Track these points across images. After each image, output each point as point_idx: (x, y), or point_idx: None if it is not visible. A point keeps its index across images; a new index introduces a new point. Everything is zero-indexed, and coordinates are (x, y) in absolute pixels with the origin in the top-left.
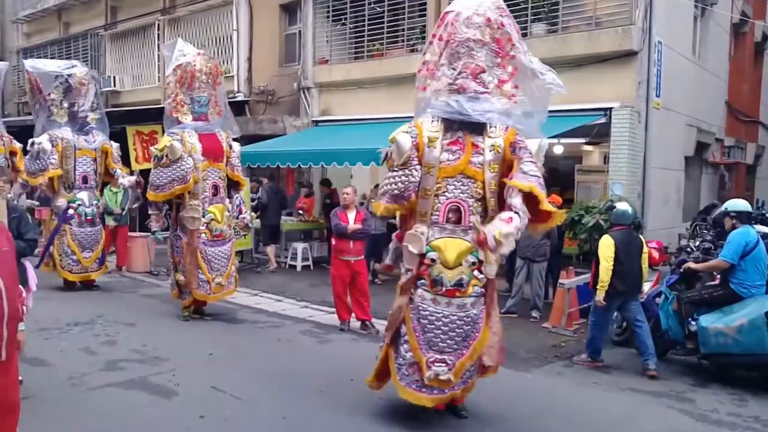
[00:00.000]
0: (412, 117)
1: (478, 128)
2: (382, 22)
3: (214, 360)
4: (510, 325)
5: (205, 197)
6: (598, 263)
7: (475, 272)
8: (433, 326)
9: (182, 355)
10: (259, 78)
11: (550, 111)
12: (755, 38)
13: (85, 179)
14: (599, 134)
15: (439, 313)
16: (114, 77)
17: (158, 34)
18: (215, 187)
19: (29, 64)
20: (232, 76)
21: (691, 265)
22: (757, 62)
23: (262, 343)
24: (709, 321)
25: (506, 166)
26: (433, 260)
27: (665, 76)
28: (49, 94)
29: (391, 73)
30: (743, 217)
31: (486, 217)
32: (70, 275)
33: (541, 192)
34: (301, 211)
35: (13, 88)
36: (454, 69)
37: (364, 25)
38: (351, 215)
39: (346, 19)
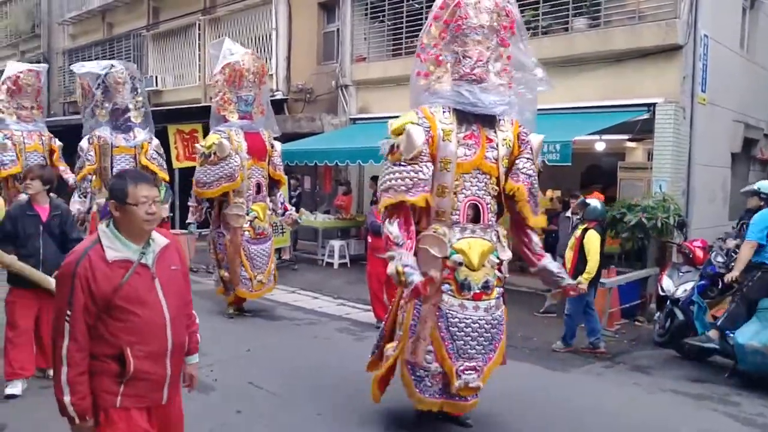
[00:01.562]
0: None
1: (491, 121)
2: (421, 19)
3: (251, 356)
4: (548, 324)
5: (249, 195)
6: (579, 255)
7: (496, 272)
8: (462, 333)
9: (220, 351)
10: (298, 76)
11: (593, 107)
12: None
13: None
14: (642, 131)
15: (468, 318)
16: (156, 77)
17: (199, 34)
18: (258, 186)
19: (78, 67)
20: (271, 75)
21: (730, 276)
22: None
23: (299, 340)
24: (746, 337)
25: (512, 161)
26: (459, 263)
27: (711, 70)
28: (94, 96)
29: None
30: None
31: (500, 215)
32: None
33: (525, 196)
34: (338, 209)
35: (59, 88)
36: (462, 56)
37: (402, 22)
38: None
39: (384, 16)
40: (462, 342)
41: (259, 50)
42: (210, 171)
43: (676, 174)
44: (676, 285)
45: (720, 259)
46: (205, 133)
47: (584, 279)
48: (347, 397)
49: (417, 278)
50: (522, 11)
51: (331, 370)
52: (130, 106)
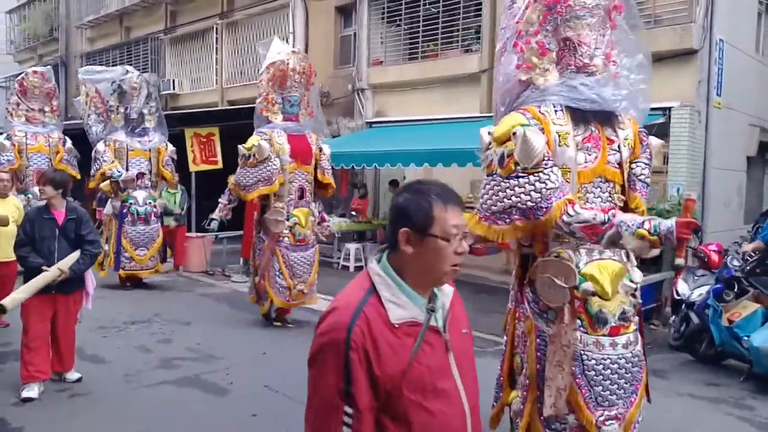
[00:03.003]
0: (469, 117)
1: (610, 119)
2: (437, 23)
3: (267, 359)
4: None
5: (290, 200)
6: None
7: (631, 298)
8: (601, 377)
9: (236, 354)
10: (316, 80)
11: None
12: None
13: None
14: (658, 134)
15: (606, 359)
16: (173, 80)
17: (216, 38)
18: (301, 190)
19: (84, 72)
20: None
21: (746, 247)
22: None
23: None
24: (761, 340)
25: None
26: (590, 293)
27: (727, 74)
28: (107, 102)
29: (446, 73)
30: None
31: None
32: (122, 272)
33: (643, 208)
34: (354, 213)
35: (77, 91)
36: (577, 43)
37: (418, 26)
38: None
39: (400, 20)
40: (601, 388)
41: None
42: (249, 173)
43: (691, 178)
44: (692, 289)
45: (736, 262)
46: (222, 137)
47: None
48: None
49: (669, 222)
50: None
51: None
52: (145, 111)
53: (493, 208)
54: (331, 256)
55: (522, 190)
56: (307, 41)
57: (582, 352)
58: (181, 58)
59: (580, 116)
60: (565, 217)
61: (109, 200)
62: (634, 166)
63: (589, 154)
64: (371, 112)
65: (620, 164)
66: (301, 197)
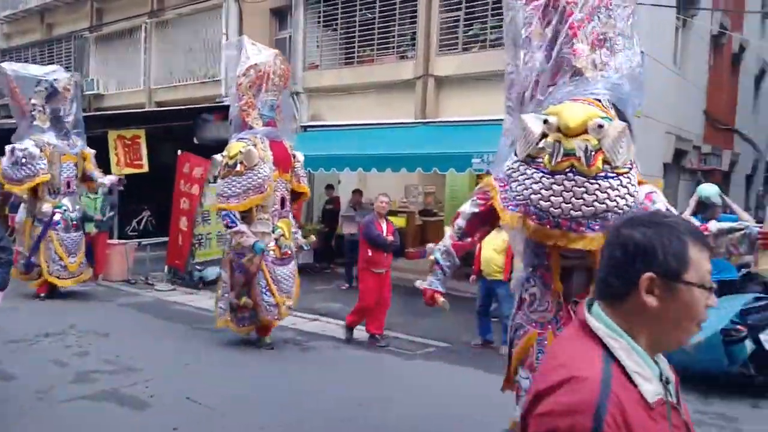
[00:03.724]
0: (404, 123)
1: (628, 122)
2: (373, 28)
3: (190, 370)
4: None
5: (274, 210)
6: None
7: None
8: None
9: (157, 366)
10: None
11: None
12: (732, 49)
13: (68, 184)
14: None
15: None
16: (98, 80)
17: (145, 37)
18: (282, 200)
19: (9, 67)
20: (220, 81)
21: None
22: (733, 72)
23: (241, 352)
24: None
25: None
26: None
27: (646, 85)
28: (30, 99)
29: (381, 78)
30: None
31: None
32: (59, 281)
33: None
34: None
35: None
36: (599, 37)
37: (354, 31)
38: (383, 225)
39: (337, 24)
40: None
41: (207, 55)
42: (237, 182)
43: None
44: None
45: None
46: (149, 140)
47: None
48: (292, 409)
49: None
50: (470, 25)
51: (275, 382)
52: (68, 113)
53: (572, 212)
54: None
55: (617, 192)
56: None
57: None
58: (106, 57)
59: (620, 118)
60: None
61: (22, 205)
62: None
63: None
64: (306, 116)
65: None
66: (282, 207)
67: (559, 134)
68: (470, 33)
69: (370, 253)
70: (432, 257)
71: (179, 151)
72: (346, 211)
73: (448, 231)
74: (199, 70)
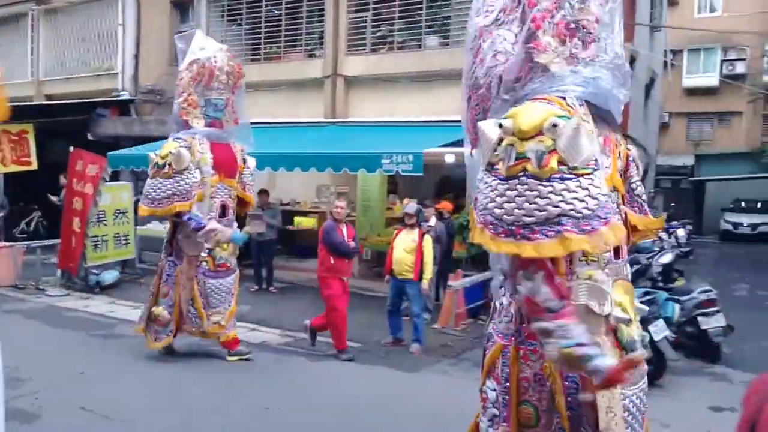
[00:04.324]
0: (313, 122)
1: (609, 120)
2: (280, 25)
3: (85, 379)
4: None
5: (211, 218)
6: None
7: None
8: (630, 417)
9: (49, 376)
10: (147, 76)
11: (444, 120)
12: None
13: None
14: None
15: (632, 395)
16: None
17: (32, 25)
18: (223, 207)
19: None
20: (116, 74)
21: None
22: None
23: (140, 358)
24: None
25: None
26: (624, 320)
27: None
28: None
29: (289, 76)
30: None
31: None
32: None
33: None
34: None
35: None
36: (576, 26)
37: (260, 27)
38: (344, 231)
39: (242, 19)
40: (630, 429)
41: (103, 46)
42: (162, 185)
43: None
44: None
45: None
46: (39, 135)
47: (427, 280)
48: (193, 415)
49: (608, 362)
50: (378, 26)
51: (176, 388)
52: None
53: (525, 218)
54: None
55: (574, 195)
56: (139, 35)
57: (629, 402)
58: None
59: (596, 114)
60: (519, 276)
61: None
62: (633, 183)
63: (608, 159)
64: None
65: (622, 172)
66: (223, 215)
67: (513, 138)
68: (378, 34)
69: (332, 261)
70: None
71: (71, 148)
72: (254, 212)
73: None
74: (94, 62)
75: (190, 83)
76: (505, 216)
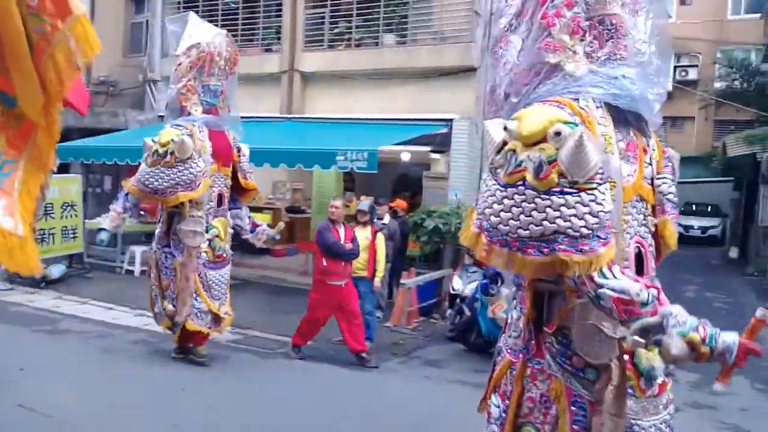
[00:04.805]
0: (269, 117)
1: (640, 123)
2: (237, 19)
3: (25, 376)
4: None
5: (210, 208)
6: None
7: None
8: None
9: None
10: (99, 68)
11: (399, 119)
12: None
13: None
14: (442, 143)
15: (651, 427)
16: None
17: None
18: (220, 197)
19: None
20: None
21: None
22: None
23: (85, 355)
24: None
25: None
26: (643, 344)
27: None
28: None
29: (247, 71)
30: None
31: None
32: None
33: (673, 235)
34: (143, 212)
35: None
36: (610, 25)
37: (217, 20)
38: (341, 232)
39: (198, 11)
40: None
41: None
42: (164, 174)
43: (469, 184)
44: (465, 284)
45: None
46: None
47: (379, 278)
48: (136, 412)
49: (732, 336)
50: (336, 23)
51: (119, 385)
52: None
53: (520, 231)
54: (113, 260)
55: (573, 212)
56: (92, 24)
57: (633, 422)
58: None
59: (620, 117)
60: (596, 276)
61: None
62: (659, 182)
63: (630, 166)
64: (164, 105)
65: (652, 180)
66: (219, 204)
67: (516, 142)
68: (336, 31)
69: (325, 263)
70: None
71: None
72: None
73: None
74: None
75: (188, 68)
76: (500, 225)
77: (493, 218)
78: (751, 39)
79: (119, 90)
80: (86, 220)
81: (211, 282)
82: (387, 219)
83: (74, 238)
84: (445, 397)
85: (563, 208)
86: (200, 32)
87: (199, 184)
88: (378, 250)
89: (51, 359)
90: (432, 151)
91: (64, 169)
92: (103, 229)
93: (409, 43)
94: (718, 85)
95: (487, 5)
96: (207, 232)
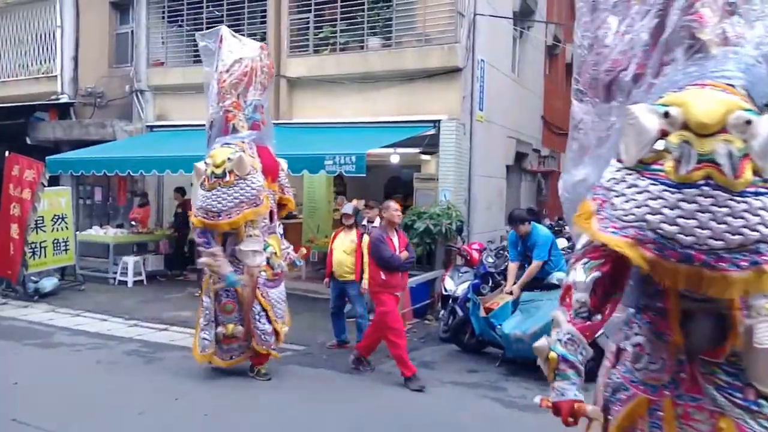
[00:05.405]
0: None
1: None
2: (221, 25)
3: (18, 389)
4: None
5: (264, 225)
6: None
7: None
8: None
9: None
10: (87, 79)
11: (386, 121)
12: (566, 59)
13: None
14: (430, 144)
15: None
16: None
17: None
18: (270, 213)
19: None
20: (55, 76)
21: (516, 289)
22: (568, 81)
23: (78, 367)
24: (510, 328)
25: None
26: None
27: (487, 91)
28: None
29: None
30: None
31: None
32: None
33: None
34: (134, 223)
35: None
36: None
37: (202, 28)
38: (395, 240)
39: (183, 20)
40: None
41: (41, 48)
42: (226, 194)
43: (458, 184)
44: (457, 284)
45: (490, 259)
46: None
47: (366, 280)
48: (129, 422)
49: None
50: (320, 28)
51: (113, 397)
52: None
53: (712, 242)
54: (105, 270)
55: None
56: (78, 36)
57: None
58: None
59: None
60: None
61: None
62: None
63: None
64: (152, 115)
65: None
66: (271, 221)
67: (686, 132)
68: (320, 36)
69: (383, 277)
70: (550, 354)
71: (7, 152)
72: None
73: (560, 316)
74: (32, 65)
75: (233, 85)
76: (679, 235)
77: (666, 227)
78: None
79: (106, 101)
80: (77, 232)
81: (272, 301)
82: (377, 222)
83: (66, 250)
84: (439, 397)
85: (763, 212)
86: (242, 47)
87: (263, 199)
88: (365, 253)
89: (45, 372)
90: (422, 153)
91: (54, 181)
92: (231, 277)
93: (394, 45)
94: None
95: (470, 6)
96: (265, 250)
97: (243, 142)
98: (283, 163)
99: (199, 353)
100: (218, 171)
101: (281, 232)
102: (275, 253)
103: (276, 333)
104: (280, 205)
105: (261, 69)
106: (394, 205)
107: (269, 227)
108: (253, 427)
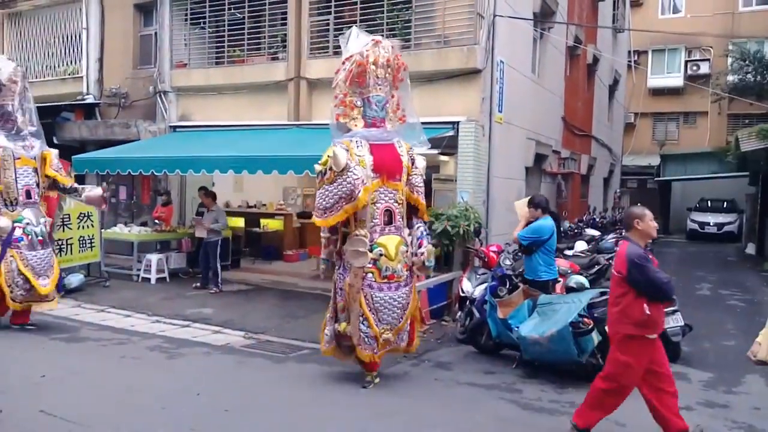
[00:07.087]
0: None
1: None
2: (243, 28)
3: (46, 382)
4: None
5: (374, 225)
6: None
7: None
8: (383, 307)
9: (8, 379)
10: (112, 80)
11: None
12: (587, 60)
13: (28, 194)
14: (448, 146)
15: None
16: None
17: None
18: (389, 213)
19: None
20: (81, 77)
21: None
22: (589, 82)
23: (103, 361)
24: (527, 330)
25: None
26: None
27: (507, 92)
28: None
29: (253, 79)
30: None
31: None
32: (20, 305)
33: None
34: (157, 221)
35: None
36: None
37: (224, 30)
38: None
39: (205, 22)
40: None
41: (67, 50)
42: (328, 192)
43: (477, 186)
44: (474, 286)
45: (508, 261)
46: None
47: None
48: (152, 417)
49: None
50: (340, 29)
51: (137, 391)
52: (17, 109)
53: None
54: (130, 267)
55: None
56: (103, 38)
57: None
58: None
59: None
60: None
61: None
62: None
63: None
64: (175, 116)
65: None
66: (389, 222)
67: None
68: (340, 37)
69: (648, 311)
70: None
71: None
72: (195, 216)
73: None
74: (59, 66)
75: (344, 83)
76: None
77: None
78: (763, 32)
79: (130, 101)
80: (102, 230)
81: (378, 305)
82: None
83: (91, 247)
84: (455, 398)
85: None
86: (354, 44)
87: (359, 192)
88: None
89: (71, 366)
90: (441, 154)
91: (80, 180)
92: (325, 259)
93: (413, 47)
94: (730, 78)
95: (490, 7)
96: (371, 251)
97: (350, 140)
98: (420, 162)
99: (323, 347)
100: (322, 170)
101: (419, 234)
102: (385, 254)
103: (376, 339)
104: (413, 207)
105: (377, 64)
106: (649, 214)
107: (383, 228)
108: (272, 424)
